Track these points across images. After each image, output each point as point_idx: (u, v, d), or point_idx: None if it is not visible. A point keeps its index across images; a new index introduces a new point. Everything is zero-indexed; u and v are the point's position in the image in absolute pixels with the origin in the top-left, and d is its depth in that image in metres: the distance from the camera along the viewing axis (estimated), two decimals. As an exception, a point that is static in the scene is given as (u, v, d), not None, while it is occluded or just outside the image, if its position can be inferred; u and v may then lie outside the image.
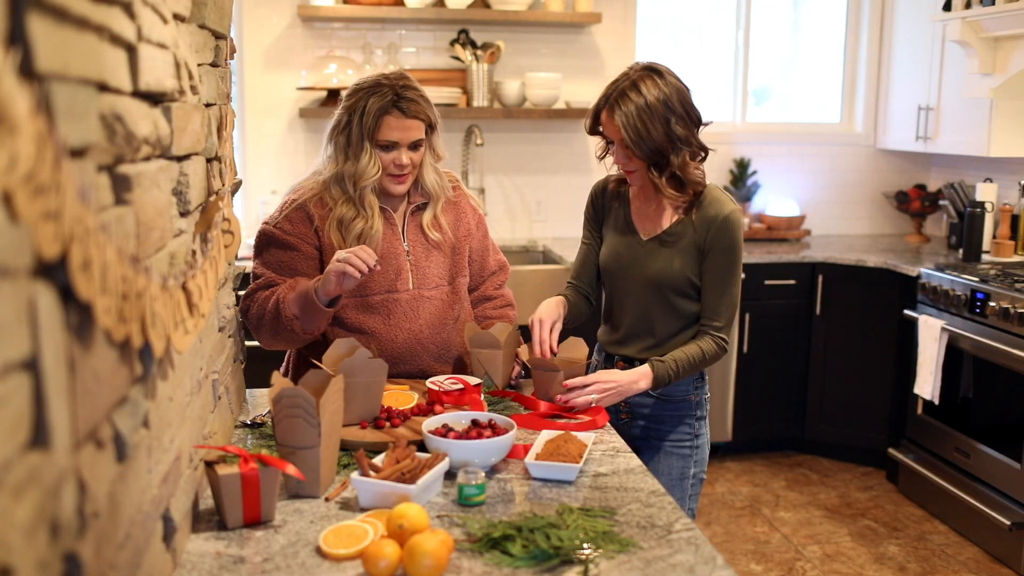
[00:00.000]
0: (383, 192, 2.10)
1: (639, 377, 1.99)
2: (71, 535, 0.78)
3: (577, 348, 2.08)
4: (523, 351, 2.05)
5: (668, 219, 2.08)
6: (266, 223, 2.10)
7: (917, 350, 3.66)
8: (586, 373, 2.08)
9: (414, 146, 2.06)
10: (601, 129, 2.04)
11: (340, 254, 1.88)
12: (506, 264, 2.35)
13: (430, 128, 2.10)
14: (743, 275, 4.01)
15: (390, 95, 2.02)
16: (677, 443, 2.11)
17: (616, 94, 1.96)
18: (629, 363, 2.12)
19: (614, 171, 2.17)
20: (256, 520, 1.40)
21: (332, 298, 1.94)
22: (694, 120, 2.01)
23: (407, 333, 2.11)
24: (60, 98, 0.77)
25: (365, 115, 2.02)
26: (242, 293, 2.12)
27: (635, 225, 2.12)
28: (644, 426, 2.12)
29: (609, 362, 2.17)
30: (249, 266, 2.18)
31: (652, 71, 1.98)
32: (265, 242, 2.09)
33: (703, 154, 2.04)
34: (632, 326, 2.11)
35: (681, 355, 2.03)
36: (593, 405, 1.95)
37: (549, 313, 2.08)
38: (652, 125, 1.93)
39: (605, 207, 2.20)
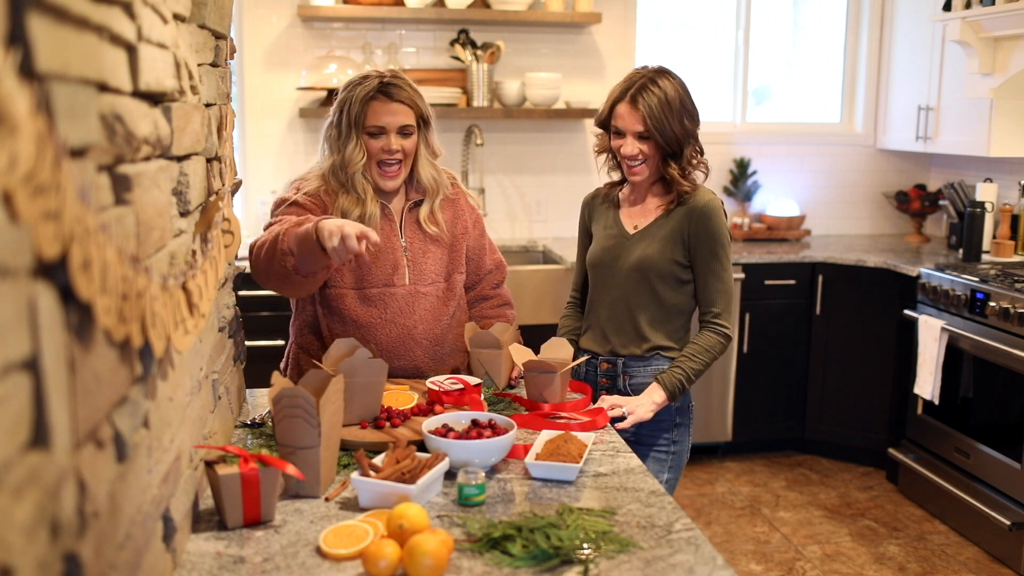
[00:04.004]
0: (376, 188, 2.12)
1: (651, 392, 2.06)
2: (71, 535, 0.78)
3: (561, 349, 2.07)
4: (515, 353, 2.04)
5: (653, 215, 2.17)
6: (282, 197, 2.11)
7: (917, 350, 3.66)
8: (573, 374, 2.11)
9: (403, 133, 2.08)
10: (616, 122, 2.10)
11: (354, 233, 1.73)
12: (503, 263, 2.36)
13: (423, 121, 2.13)
14: (743, 275, 4.04)
15: (375, 83, 2.07)
16: (653, 448, 2.14)
17: (636, 88, 2.07)
18: (613, 359, 2.16)
19: (603, 176, 2.28)
20: (256, 520, 1.40)
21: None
22: (696, 119, 2.14)
23: (401, 328, 2.12)
24: (60, 98, 0.77)
25: (352, 104, 2.07)
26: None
27: (623, 222, 2.20)
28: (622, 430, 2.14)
29: (593, 361, 2.21)
30: (249, 266, 2.18)
31: (664, 71, 2.11)
32: (284, 204, 2.08)
33: (701, 154, 2.16)
34: (613, 316, 2.16)
35: (682, 358, 2.09)
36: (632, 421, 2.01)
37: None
38: (672, 117, 2.05)
39: (595, 211, 2.29)
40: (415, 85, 2.13)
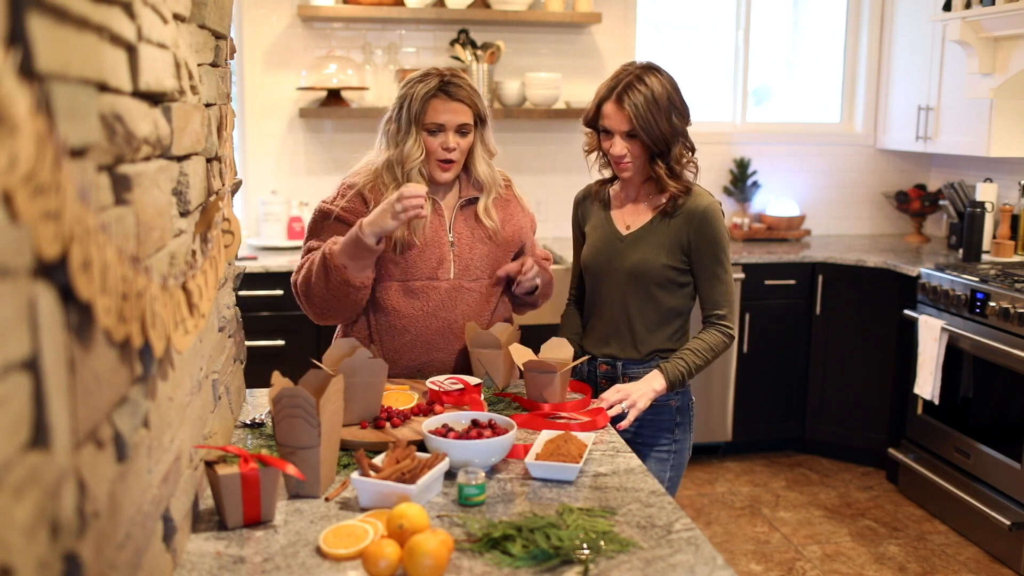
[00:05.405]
0: (431, 180, 2.15)
1: (651, 379, 2.03)
2: (71, 535, 0.78)
3: (562, 349, 2.07)
4: (515, 353, 2.04)
5: (647, 215, 2.15)
6: (324, 202, 2.16)
7: (917, 350, 3.66)
8: (572, 374, 2.10)
9: (461, 131, 2.11)
10: (603, 122, 2.08)
11: (393, 201, 1.94)
12: (550, 256, 2.41)
13: (480, 120, 2.15)
14: (743, 275, 4.04)
15: (436, 81, 2.09)
16: (654, 447, 2.14)
17: (623, 87, 2.04)
18: (612, 362, 2.16)
19: (596, 174, 2.26)
20: (256, 520, 1.40)
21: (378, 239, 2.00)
22: (686, 116, 2.10)
23: (442, 321, 2.15)
24: (60, 98, 0.77)
25: (412, 101, 2.09)
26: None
27: (615, 222, 2.19)
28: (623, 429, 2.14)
29: (592, 362, 2.20)
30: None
31: (651, 68, 2.08)
32: (324, 219, 2.14)
33: (692, 152, 2.13)
34: (611, 321, 2.16)
35: (685, 351, 2.07)
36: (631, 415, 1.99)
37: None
38: (659, 116, 2.02)
39: (587, 210, 2.28)
40: (474, 84, 2.15)
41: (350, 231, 2.00)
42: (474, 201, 2.20)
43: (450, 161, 2.12)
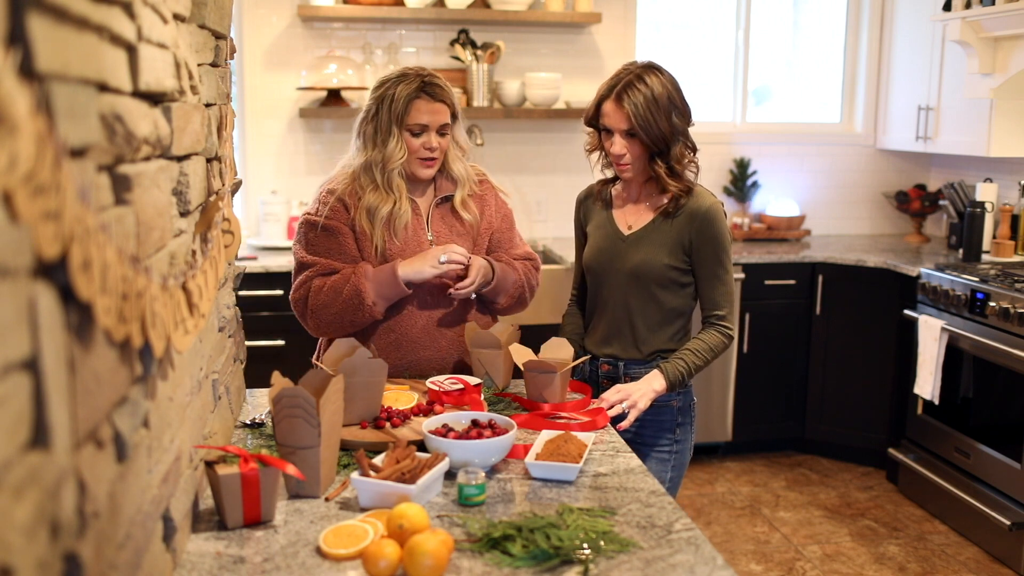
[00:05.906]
0: (411, 178, 2.16)
1: (651, 379, 2.03)
2: (71, 535, 0.78)
3: (562, 349, 2.07)
4: (515, 353, 2.04)
5: (649, 215, 2.15)
6: (308, 213, 2.18)
7: (917, 350, 3.66)
8: (573, 374, 2.10)
9: (442, 132, 2.13)
10: (603, 120, 2.08)
11: (439, 254, 2.06)
12: (535, 256, 2.35)
13: (453, 118, 2.16)
14: (743, 275, 4.05)
15: (417, 81, 2.10)
16: (655, 447, 2.14)
17: (622, 86, 2.04)
18: (614, 362, 2.15)
19: (598, 174, 2.26)
20: (256, 520, 1.40)
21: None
22: (687, 116, 2.10)
23: (426, 319, 2.17)
24: (60, 98, 0.77)
25: (394, 102, 2.09)
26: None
27: (617, 222, 2.19)
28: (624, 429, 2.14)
29: (594, 362, 2.20)
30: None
31: (652, 67, 2.07)
32: (311, 230, 2.15)
33: (694, 152, 2.12)
34: (613, 321, 2.16)
35: (685, 351, 2.07)
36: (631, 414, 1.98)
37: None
38: (658, 115, 2.02)
39: (588, 210, 2.27)
40: (447, 82, 2.17)
41: (384, 273, 2.05)
42: (450, 198, 2.21)
43: (433, 159, 2.13)
